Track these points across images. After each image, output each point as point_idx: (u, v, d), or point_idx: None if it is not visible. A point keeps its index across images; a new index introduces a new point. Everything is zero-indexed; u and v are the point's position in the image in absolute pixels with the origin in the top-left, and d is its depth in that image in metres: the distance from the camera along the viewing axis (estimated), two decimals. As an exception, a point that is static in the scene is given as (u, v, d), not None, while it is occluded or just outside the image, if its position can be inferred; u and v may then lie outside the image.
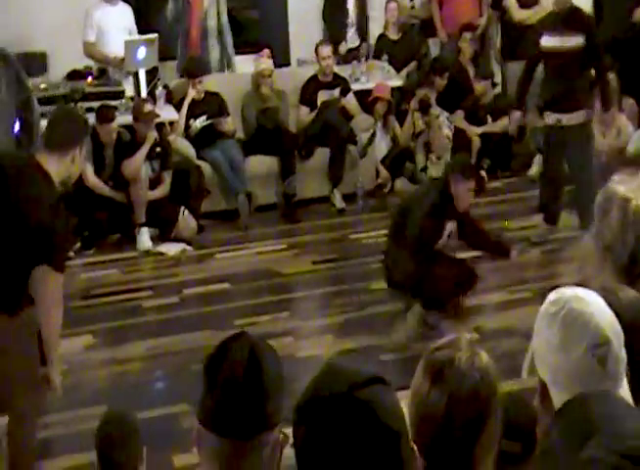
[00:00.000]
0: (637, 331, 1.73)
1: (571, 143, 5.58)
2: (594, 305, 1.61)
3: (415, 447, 1.42)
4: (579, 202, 5.54)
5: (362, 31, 7.67)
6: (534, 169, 7.11)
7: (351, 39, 7.61)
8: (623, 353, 1.58)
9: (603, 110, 5.73)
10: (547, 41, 5.52)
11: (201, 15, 6.95)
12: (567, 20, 5.48)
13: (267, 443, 1.58)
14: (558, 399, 1.58)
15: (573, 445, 1.31)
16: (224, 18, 7.08)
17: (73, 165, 3.15)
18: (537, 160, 7.13)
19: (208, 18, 6.97)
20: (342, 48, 7.48)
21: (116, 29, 6.69)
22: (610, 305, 1.72)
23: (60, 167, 3.11)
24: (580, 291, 1.65)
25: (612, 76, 6.31)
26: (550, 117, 5.63)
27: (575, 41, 5.44)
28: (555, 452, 1.34)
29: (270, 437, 1.59)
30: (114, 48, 6.61)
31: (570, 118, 5.53)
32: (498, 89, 7.70)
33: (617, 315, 1.71)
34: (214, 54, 7.08)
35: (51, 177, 3.07)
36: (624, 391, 1.58)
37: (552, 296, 1.66)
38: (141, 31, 6.82)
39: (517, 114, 5.93)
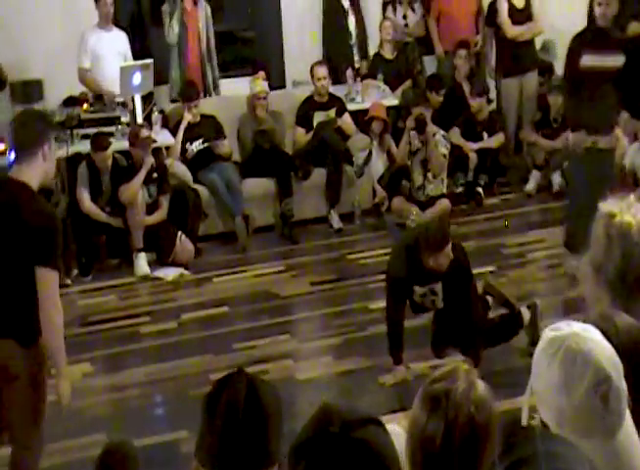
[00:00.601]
0: (635, 356, 1.75)
1: (601, 166, 5.27)
2: (592, 341, 1.60)
3: None
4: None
5: (363, 50, 7.72)
6: (531, 185, 7.15)
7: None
8: (624, 386, 1.58)
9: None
10: (588, 60, 5.21)
11: (196, 39, 7.01)
12: (609, 36, 5.26)
13: None
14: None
15: None
16: (212, 42, 7.15)
17: (46, 163, 3.18)
18: (534, 175, 7.17)
19: (202, 41, 7.04)
20: (349, 74, 7.44)
21: (112, 55, 6.74)
22: (607, 332, 1.74)
23: (33, 171, 3.14)
24: (577, 326, 1.63)
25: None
26: (586, 141, 5.26)
27: (616, 60, 5.23)
28: None
29: None
30: (110, 73, 6.65)
31: (607, 142, 5.29)
32: (493, 105, 7.75)
33: (616, 342, 1.72)
34: (210, 78, 7.15)
35: (26, 184, 3.11)
36: (628, 423, 1.57)
37: (548, 333, 1.63)
38: (135, 57, 6.88)
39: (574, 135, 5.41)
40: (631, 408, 1.68)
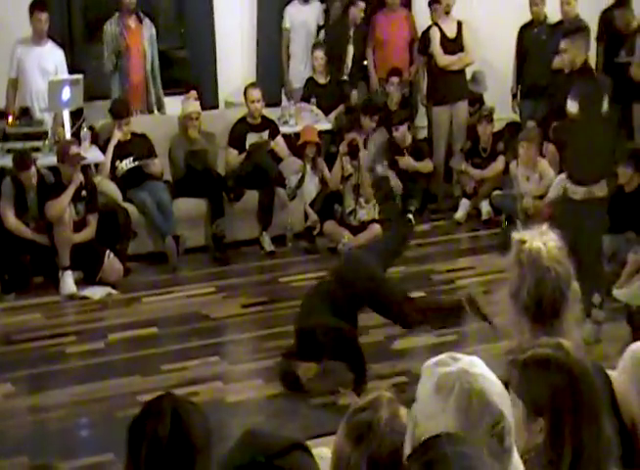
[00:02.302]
0: (585, 383, 1.82)
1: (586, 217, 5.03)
2: (482, 377, 1.53)
3: None
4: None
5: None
6: (461, 213, 7.33)
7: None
8: (511, 420, 1.54)
9: None
10: (572, 106, 4.97)
11: (141, 59, 7.00)
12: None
13: None
14: None
15: None
16: (156, 61, 7.16)
17: None
18: (464, 203, 7.36)
19: (147, 62, 7.05)
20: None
21: (37, 70, 6.70)
22: (563, 360, 1.80)
23: None
24: (464, 361, 1.55)
25: (532, 124, 6.60)
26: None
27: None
28: None
29: None
30: (31, 88, 6.65)
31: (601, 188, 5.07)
32: (424, 133, 7.95)
33: (569, 370, 1.80)
34: (153, 96, 7.14)
35: None
36: (516, 460, 1.57)
37: (435, 370, 1.53)
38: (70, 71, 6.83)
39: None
40: (577, 434, 1.75)
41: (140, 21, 7.02)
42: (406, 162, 7.29)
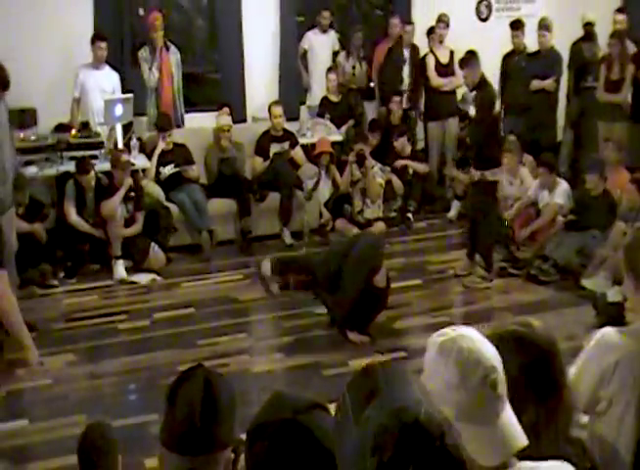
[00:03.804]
0: (550, 353, 1.85)
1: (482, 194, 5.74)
2: (477, 340, 1.59)
3: None
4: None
5: (414, 96, 7.85)
6: (452, 212, 7.33)
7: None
8: (503, 376, 1.59)
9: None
10: (471, 110, 5.70)
11: (170, 82, 7.01)
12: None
13: (220, 460, 1.60)
14: (464, 429, 1.54)
15: (360, 406, 1.27)
16: (180, 83, 7.16)
17: None
18: (455, 204, 7.36)
19: (174, 82, 7.07)
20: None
21: (98, 90, 6.75)
22: (526, 334, 1.84)
23: None
24: (461, 329, 1.62)
25: (513, 138, 6.58)
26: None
27: None
28: (347, 414, 1.28)
29: (223, 455, 1.60)
30: (92, 105, 6.72)
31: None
32: (422, 144, 7.94)
33: (534, 342, 1.82)
34: (179, 113, 7.16)
35: None
36: (508, 407, 1.60)
37: (437, 339, 1.60)
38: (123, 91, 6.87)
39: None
40: (535, 399, 1.77)
41: (167, 48, 7.02)
42: (405, 161, 7.32)
